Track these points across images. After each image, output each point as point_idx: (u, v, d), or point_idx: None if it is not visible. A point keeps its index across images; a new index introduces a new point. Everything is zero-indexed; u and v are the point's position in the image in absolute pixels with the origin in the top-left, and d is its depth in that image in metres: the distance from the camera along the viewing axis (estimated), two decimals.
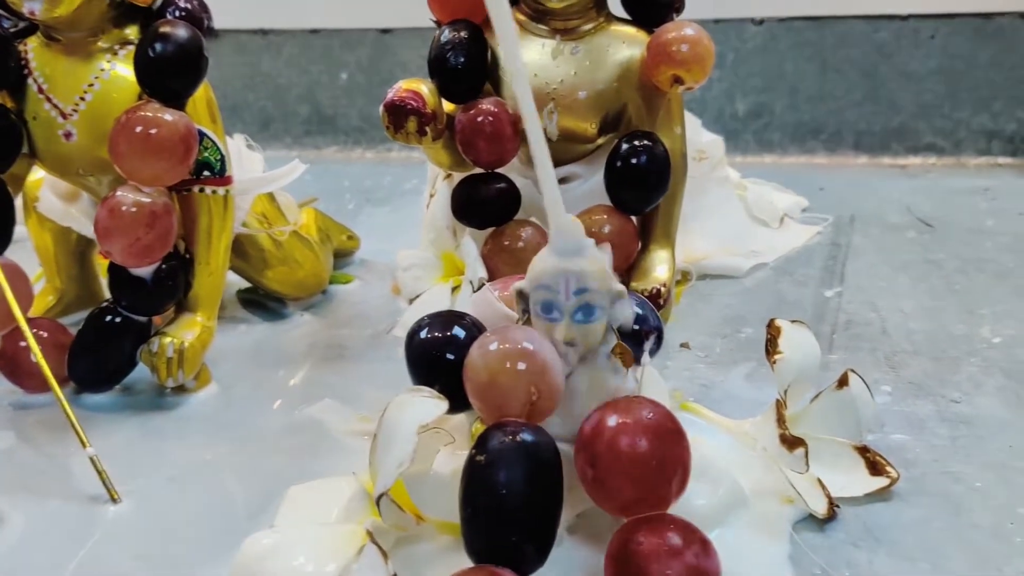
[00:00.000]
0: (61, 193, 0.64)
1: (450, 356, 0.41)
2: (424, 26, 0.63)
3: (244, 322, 0.69)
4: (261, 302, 0.72)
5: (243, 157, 0.69)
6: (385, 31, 1.13)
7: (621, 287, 0.40)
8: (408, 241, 0.73)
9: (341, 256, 0.79)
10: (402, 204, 0.95)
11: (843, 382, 0.47)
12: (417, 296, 0.68)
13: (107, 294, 0.57)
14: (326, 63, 1.15)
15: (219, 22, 1.18)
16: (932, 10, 0.96)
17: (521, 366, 0.37)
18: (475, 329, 0.42)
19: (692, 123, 0.77)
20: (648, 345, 0.43)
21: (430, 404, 0.38)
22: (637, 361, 0.42)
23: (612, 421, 0.37)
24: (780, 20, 1.01)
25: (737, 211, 0.78)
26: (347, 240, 0.79)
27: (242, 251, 0.67)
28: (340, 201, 0.96)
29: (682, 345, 0.62)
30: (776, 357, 0.46)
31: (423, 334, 0.42)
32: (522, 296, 0.40)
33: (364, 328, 0.68)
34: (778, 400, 0.44)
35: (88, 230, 0.64)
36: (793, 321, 0.48)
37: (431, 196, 0.70)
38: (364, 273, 0.78)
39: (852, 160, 1.02)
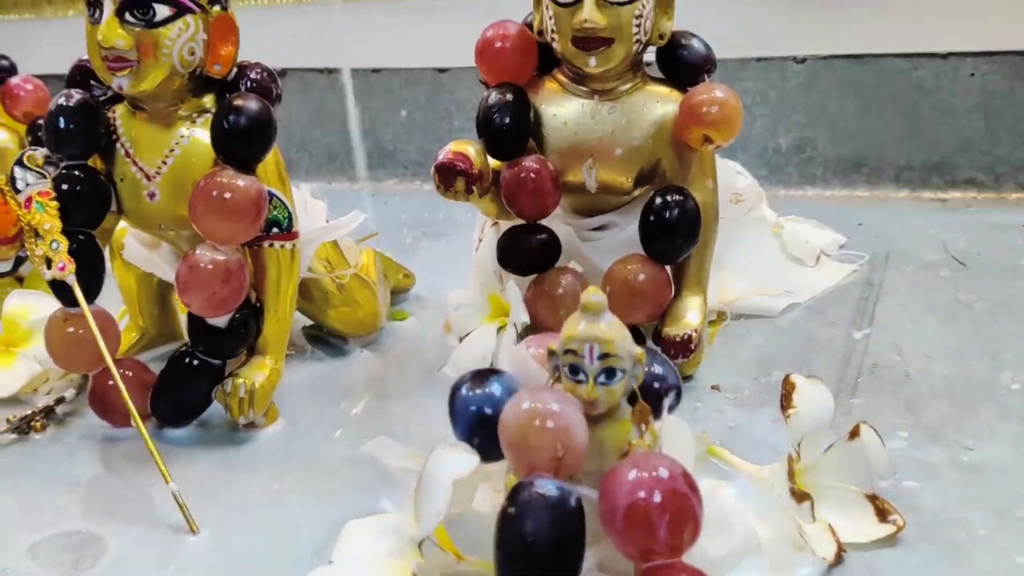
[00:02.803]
0: (144, 242, 0.71)
1: (488, 411, 0.46)
2: None
3: (309, 358, 0.75)
4: (324, 338, 0.78)
5: (308, 205, 0.74)
6: (442, 70, 1.18)
7: (640, 350, 0.45)
8: (460, 273, 0.78)
9: (398, 292, 0.84)
10: (456, 237, 1.00)
11: (855, 433, 0.51)
12: (466, 335, 0.73)
13: (186, 330, 0.64)
14: (386, 100, 1.21)
15: (287, 62, 1.26)
16: (971, 48, 0.97)
17: (549, 425, 0.42)
18: (510, 386, 0.47)
19: (728, 168, 0.81)
20: (667, 402, 0.47)
21: (463, 459, 0.43)
22: (657, 416, 0.46)
23: (631, 475, 0.42)
24: (822, 58, 1.03)
25: (773, 251, 0.81)
26: (403, 278, 0.85)
27: (307, 293, 0.72)
28: (398, 236, 1.02)
29: (713, 387, 0.66)
30: (790, 412, 0.49)
31: (464, 390, 0.47)
32: (553, 356, 0.45)
33: (418, 364, 0.73)
34: (789, 456, 0.48)
35: (168, 275, 0.70)
36: (808, 376, 0.51)
37: (480, 240, 0.75)
38: (419, 309, 0.83)
39: (893, 194, 1.04)
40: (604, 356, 0.43)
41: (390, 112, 1.21)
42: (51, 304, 0.63)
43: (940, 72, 1.00)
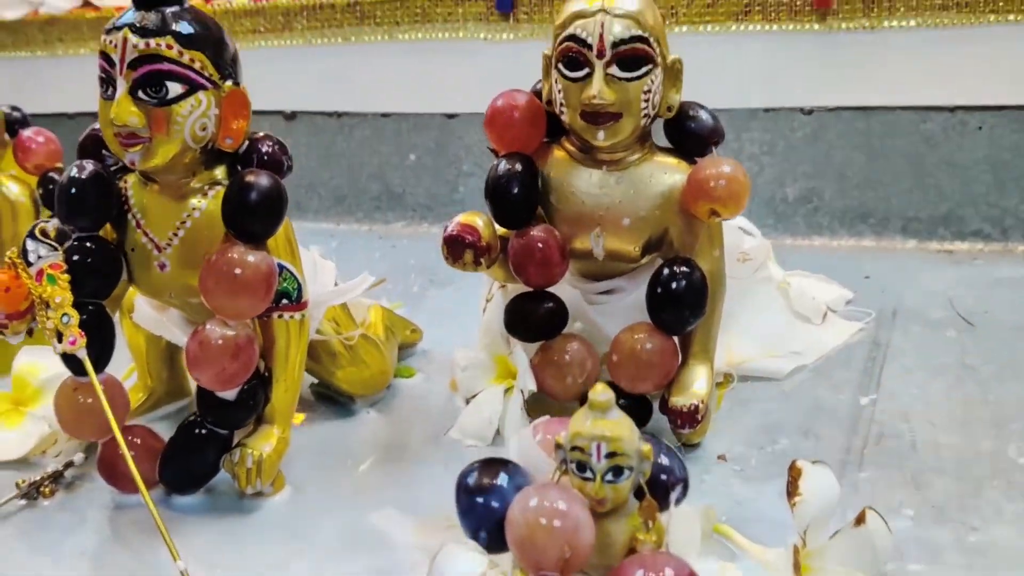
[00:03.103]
0: (154, 304, 0.71)
1: (495, 504, 0.46)
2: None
3: (316, 419, 0.76)
4: (331, 396, 0.78)
5: (317, 267, 0.74)
6: (451, 116, 1.19)
7: (648, 446, 0.45)
8: (467, 325, 0.79)
9: (405, 347, 0.85)
10: (463, 286, 1.00)
11: (861, 519, 0.51)
12: (473, 396, 0.73)
13: (193, 386, 0.64)
14: (396, 144, 1.22)
15: (297, 105, 1.27)
16: (979, 102, 0.98)
17: (556, 524, 0.42)
18: (517, 479, 0.47)
19: (734, 226, 0.81)
20: (674, 495, 0.47)
21: (473, 560, 0.43)
22: (664, 510, 0.46)
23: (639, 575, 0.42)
24: (829, 110, 1.04)
25: (780, 310, 0.81)
26: (410, 334, 0.85)
27: (315, 354, 0.72)
28: (406, 283, 1.02)
29: (719, 457, 0.66)
30: (796, 499, 0.49)
31: (470, 482, 0.47)
32: (559, 450, 0.45)
33: (425, 425, 0.74)
34: (795, 546, 0.48)
35: (178, 338, 0.70)
36: (814, 462, 0.51)
37: (487, 301, 0.75)
38: (426, 365, 0.84)
39: (900, 244, 1.04)
40: (611, 455, 0.44)
41: (399, 156, 1.22)
42: (60, 363, 0.63)
43: (948, 125, 1.00)
